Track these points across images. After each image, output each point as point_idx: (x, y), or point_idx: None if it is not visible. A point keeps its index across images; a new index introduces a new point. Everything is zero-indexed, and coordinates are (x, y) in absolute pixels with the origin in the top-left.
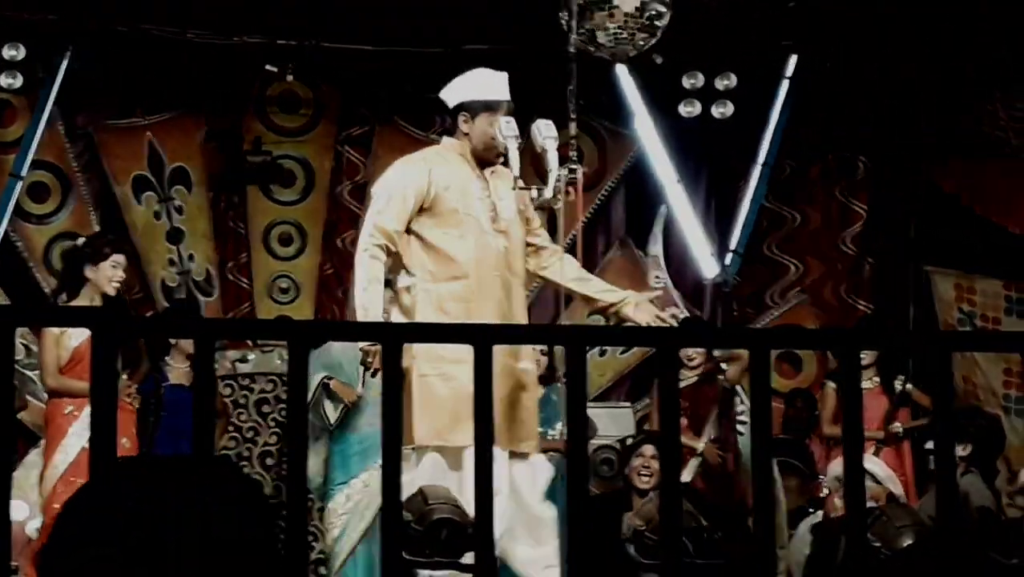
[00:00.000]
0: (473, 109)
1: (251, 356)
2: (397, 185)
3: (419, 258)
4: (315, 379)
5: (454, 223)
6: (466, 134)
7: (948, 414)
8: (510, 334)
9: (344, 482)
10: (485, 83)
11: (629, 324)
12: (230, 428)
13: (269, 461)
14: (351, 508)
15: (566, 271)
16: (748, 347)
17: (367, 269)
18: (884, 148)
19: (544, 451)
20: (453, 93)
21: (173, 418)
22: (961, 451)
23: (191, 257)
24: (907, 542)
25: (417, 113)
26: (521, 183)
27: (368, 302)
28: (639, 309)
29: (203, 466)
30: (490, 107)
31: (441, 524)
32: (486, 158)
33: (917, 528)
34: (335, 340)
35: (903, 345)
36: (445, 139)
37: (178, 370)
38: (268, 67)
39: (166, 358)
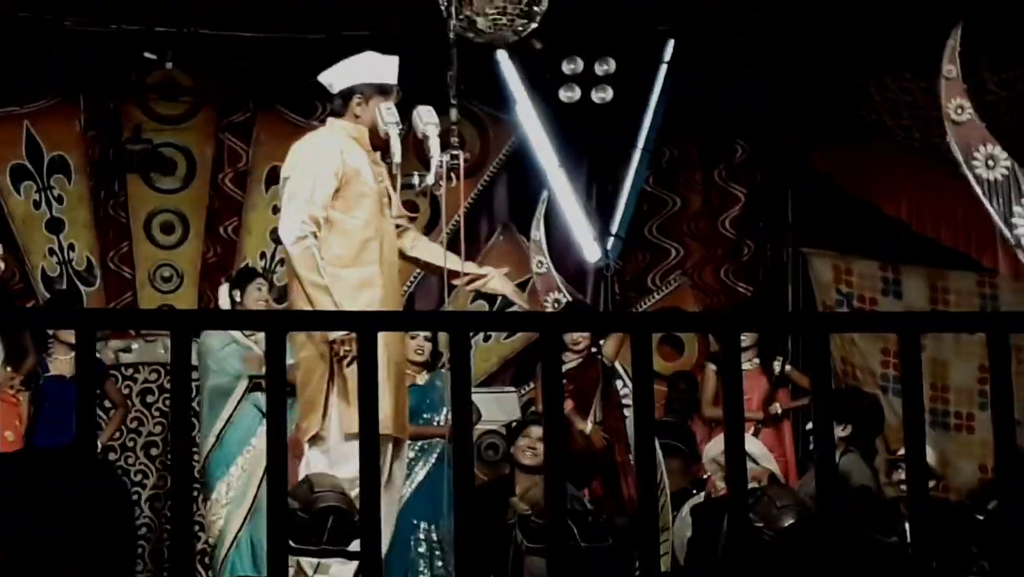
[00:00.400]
0: (366, 93)
1: (135, 346)
2: (318, 169)
3: (328, 242)
4: (241, 383)
5: (361, 207)
6: (358, 117)
7: (826, 394)
8: (395, 320)
9: (225, 470)
10: (377, 66)
11: (511, 308)
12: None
13: (154, 451)
14: (232, 496)
15: (429, 248)
16: (630, 331)
17: (311, 257)
18: (762, 132)
19: (430, 437)
20: (344, 76)
21: (55, 409)
22: (841, 431)
23: (72, 247)
24: (788, 521)
25: (298, 99)
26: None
27: (329, 284)
28: (501, 282)
29: (66, 463)
30: (383, 91)
31: (327, 512)
32: (377, 143)
33: (798, 508)
34: (218, 329)
35: (782, 327)
36: (336, 121)
37: (60, 361)
38: (147, 54)
39: (48, 349)
